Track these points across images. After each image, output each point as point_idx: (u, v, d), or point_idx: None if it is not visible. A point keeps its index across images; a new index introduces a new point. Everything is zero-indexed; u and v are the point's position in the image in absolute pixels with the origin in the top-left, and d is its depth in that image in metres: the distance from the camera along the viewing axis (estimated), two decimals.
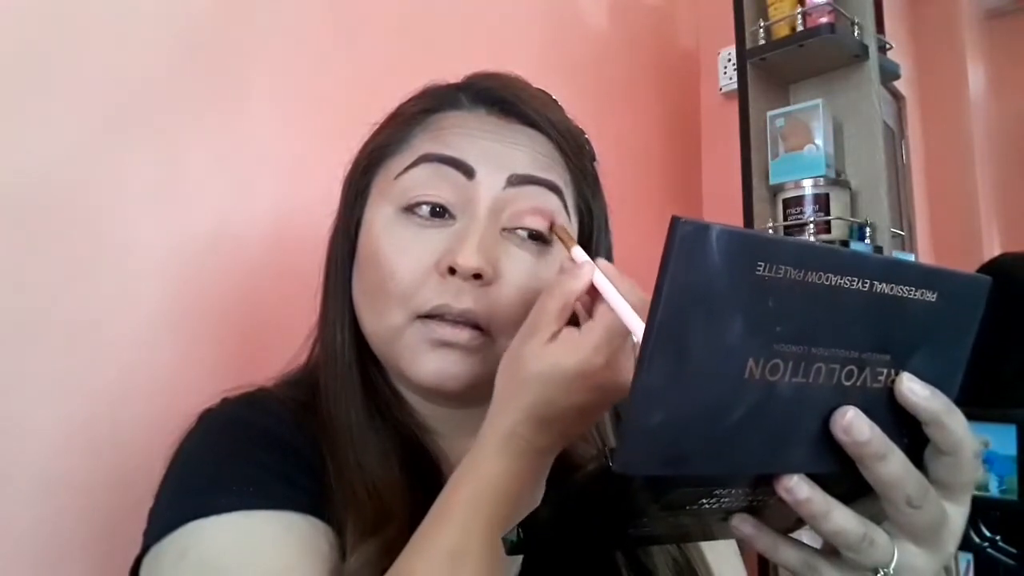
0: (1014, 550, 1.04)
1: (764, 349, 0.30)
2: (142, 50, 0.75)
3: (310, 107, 0.89)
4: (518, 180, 0.48)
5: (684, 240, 0.28)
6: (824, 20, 1.28)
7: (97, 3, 0.72)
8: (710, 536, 0.46)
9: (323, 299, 0.54)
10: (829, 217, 1.26)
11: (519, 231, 0.48)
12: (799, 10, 1.31)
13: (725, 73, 1.62)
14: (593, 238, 0.54)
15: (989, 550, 1.05)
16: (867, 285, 0.32)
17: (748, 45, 1.37)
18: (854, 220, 1.28)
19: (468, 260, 0.45)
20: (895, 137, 1.90)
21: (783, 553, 0.36)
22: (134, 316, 0.73)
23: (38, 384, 0.66)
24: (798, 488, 0.32)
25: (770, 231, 1.31)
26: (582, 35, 1.40)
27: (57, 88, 0.68)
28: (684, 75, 1.67)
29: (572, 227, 0.52)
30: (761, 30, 1.36)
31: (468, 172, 0.47)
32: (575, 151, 0.53)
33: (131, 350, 0.72)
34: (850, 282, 0.31)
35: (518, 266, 0.47)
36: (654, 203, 1.55)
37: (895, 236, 1.35)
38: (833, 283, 0.31)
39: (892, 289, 0.32)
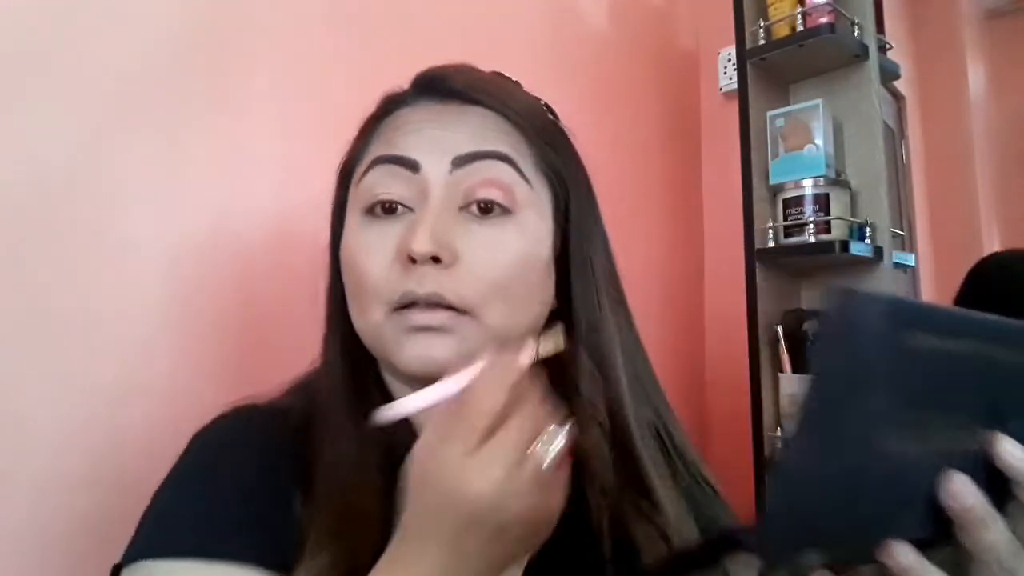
0: None
1: (898, 419, 0.30)
2: (142, 49, 0.75)
3: (310, 107, 0.89)
4: (462, 160, 0.49)
5: (843, 313, 0.27)
6: (824, 20, 1.28)
7: (97, 2, 0.72)
8: None
9: (326, 307, 0.56)
10: (829, 217, 1.25)
11: (473, 207, 0.48)
12: (799, 10, 1.31)
13: (725, 73, 1.62)
14: (571, 203, 0.54)
15: None
16: (1008, 351, 0.32)
17: (748, 45, 1.37)
18: (854, 220, 1.28)
19: (421, 246, 0.45)
20: (895, 137, 1.90)
21: None
22: (134, 315, 0.73)
23: (37, 383, 0.66)
24: (903, 555, 0.32)
25: (770, 231, 1.31)
26: (582, 35, 1.40)
27: (57, 87, 0.68)
28: (684, 75, 1.68)
29: (541, 193, 0.51)
30: (761, 30, 1.36)
31: (412, 166, 0.49)
32: (531, 120, 0.53)
33: (131, 349, 0.72)
34: (989, 349, 0.32)
35: (476, 241, 0.48)
36: (654, 203, 1.55)
37: (895, 236, 1.35)
38: (970, 351, 0.31)
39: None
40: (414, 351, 0.47)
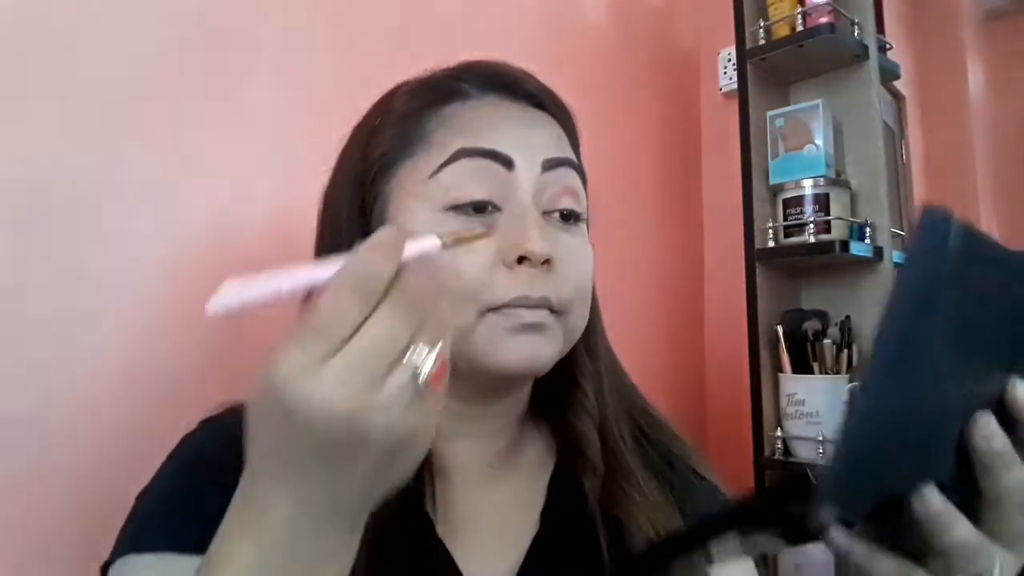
0: None
1: (957, 355, 0.29)
2: (142, 46, 0.75)
3: (310, 105, 0.89)
4: (550, 164, 0.49)
5: (934, 232, 0.26)
6: (824, 20, 1.27)
7: (98, 1, 0.72)
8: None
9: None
10: (829, 217, 1.25)
11: (556, 214, 0.49)
12: (799, 10, 1.31)
13: (725, 73, 1.62)
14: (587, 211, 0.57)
15: None
16: None
17: (748, 45, 1.37)
18: (854, 220, 1.28)
19: (540, 247, 0.45)
20: (895, 137, 1.90)
21: (879, 564, 0.36)
22: (134, 313, 0.73)
23: (38, 382, 0.66)
24: (933, 500, 0.32)
25: (770, 231, 1.31)
26: (582, 35, 1.40)
27: (57, 86, 0.69)
28: (684, 75, 1.67)
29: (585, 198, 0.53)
30: (761, 30, 1.36)
31: (507, 163, 0.48)
32: (572, 124, 0.55)
33: (131, 348, 0.72)
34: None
35: (569, 245, 0.49)
36: (653, 203, 1.55)
37: (895, 236, 1.34)
38: (1010, 293, 0.31)
39: None
40: (522, 350, 0.46)
